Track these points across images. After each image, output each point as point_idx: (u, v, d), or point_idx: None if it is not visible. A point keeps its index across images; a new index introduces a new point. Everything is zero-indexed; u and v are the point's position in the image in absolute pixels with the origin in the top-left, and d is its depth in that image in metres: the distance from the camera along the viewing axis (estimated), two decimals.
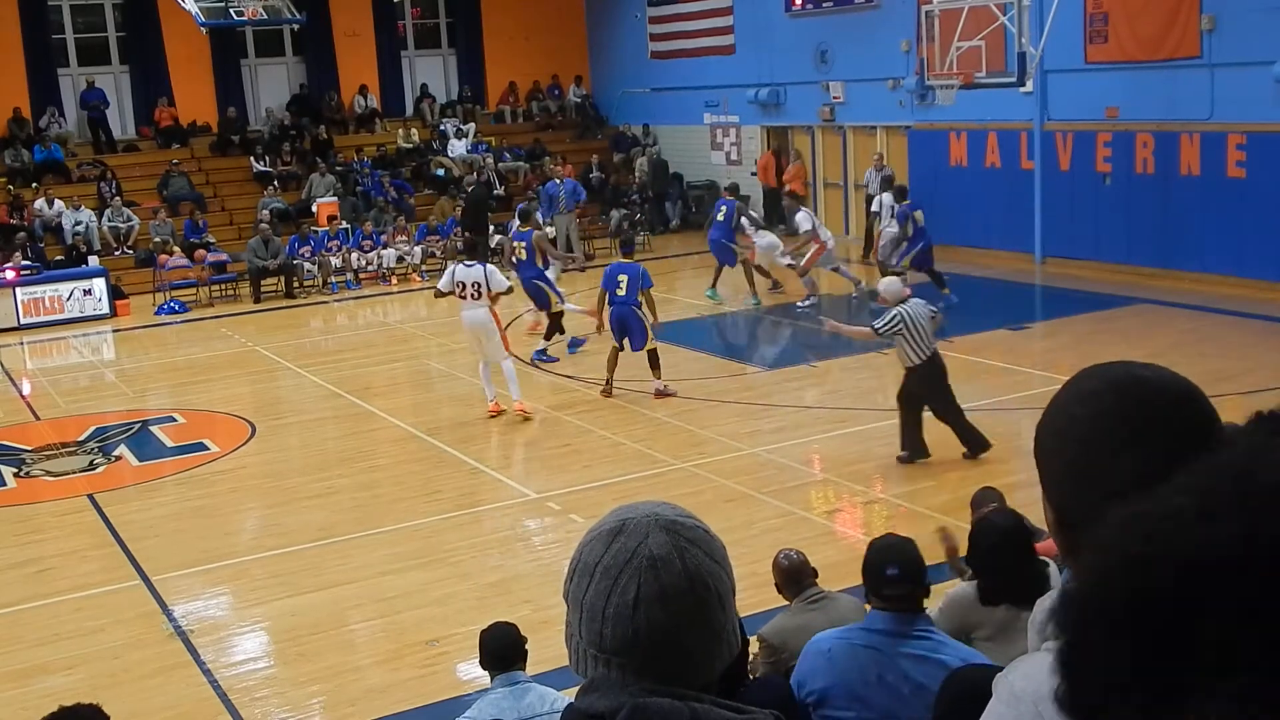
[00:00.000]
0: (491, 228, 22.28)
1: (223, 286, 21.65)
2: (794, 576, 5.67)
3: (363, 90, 27.70)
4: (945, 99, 19.08)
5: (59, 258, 21.70)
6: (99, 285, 20.53)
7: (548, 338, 15.28)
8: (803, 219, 17.77)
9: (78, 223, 22.50)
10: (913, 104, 21.27)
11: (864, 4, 22.22)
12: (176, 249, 22.02)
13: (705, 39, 26.19)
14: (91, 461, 12.45)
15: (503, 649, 5.42)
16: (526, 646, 5.46)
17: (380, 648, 8.08)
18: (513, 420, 12.86)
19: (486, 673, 5.50)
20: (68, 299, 20.14)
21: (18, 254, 21.05)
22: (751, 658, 5.39)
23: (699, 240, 21.40)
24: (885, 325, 10.26)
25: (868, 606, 4.59)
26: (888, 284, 10.79)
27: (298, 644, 8.25)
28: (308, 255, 22.02)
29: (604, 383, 13.48)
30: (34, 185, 23.66)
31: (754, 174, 24.89)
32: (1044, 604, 1.60)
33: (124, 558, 9.79)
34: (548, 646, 6.02)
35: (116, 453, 12.59)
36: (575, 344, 15.57)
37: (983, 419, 10.98)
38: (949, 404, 10.61)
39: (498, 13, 28.70)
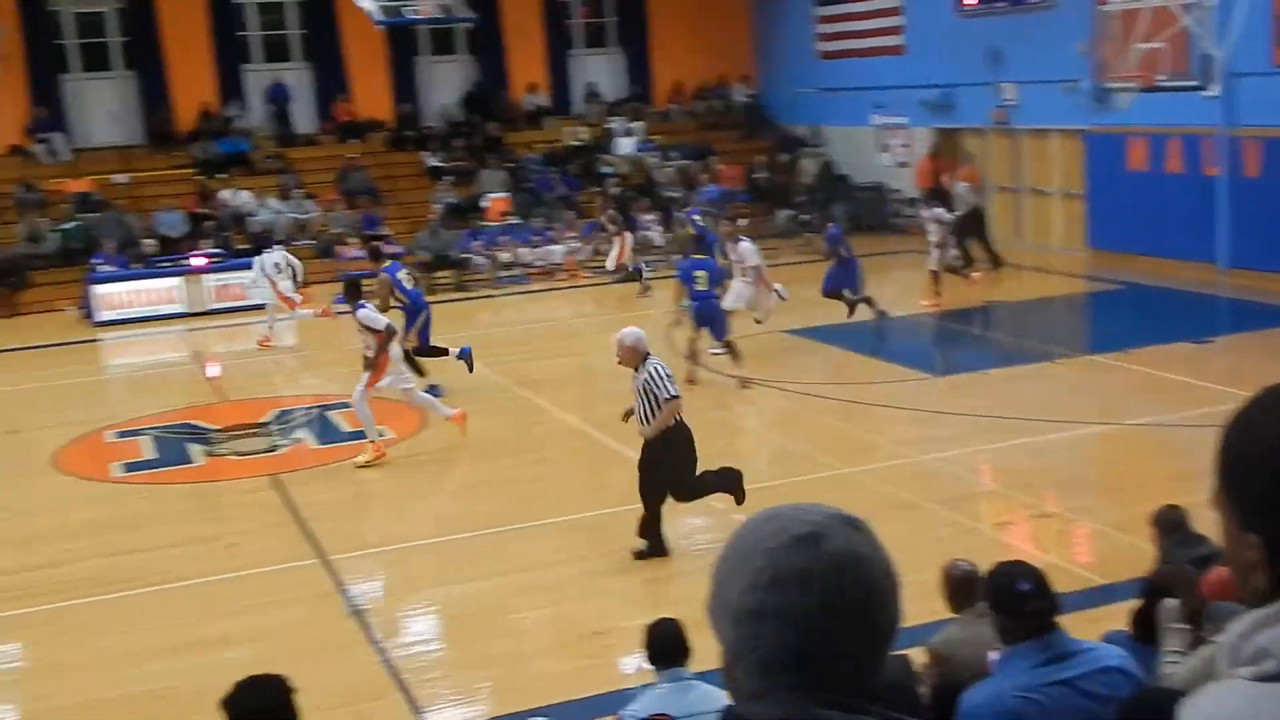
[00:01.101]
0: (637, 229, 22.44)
1: None
2: (965, 588, 5.62)
3: (532, 88, 28.19)
4: (1122, 102, 18.58)
5: (244, 246, 22.60)
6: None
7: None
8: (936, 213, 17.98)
9: (278, 212, 23.45)
10: (1089, 107, 20.73)
11: (1038, 3, 21.73)
12: (353, 240, 22.77)
13: (874, 39, 25.92)
14: (273, 444, 12.97)
15: (668, 645, 5.50)
16: (691, 644, 5.53)
17: (546, 637, 8.26)
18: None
19: (651, 667, 5.59)
20: (251, 286, 20.94)
21: (205, 242, 22.03)
22: (918, 668, 5.37)
23: (867, 243, 21.19)
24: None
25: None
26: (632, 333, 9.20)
27: (466, 629, 8.49)
28: (478, 249, 22.54)
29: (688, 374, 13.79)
30: (220, 176, 24.73)
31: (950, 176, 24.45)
32: (1239, 627, 1.45)
33: (303, 537, 10.18)
34: (712, 645, 6.09)
35: (297, 435, 13.08)
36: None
37: (1165, 436, 10.66)
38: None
39: (664, 12, 28.87)
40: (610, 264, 21.07)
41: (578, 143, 27.19)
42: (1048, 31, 21.26)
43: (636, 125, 27.58)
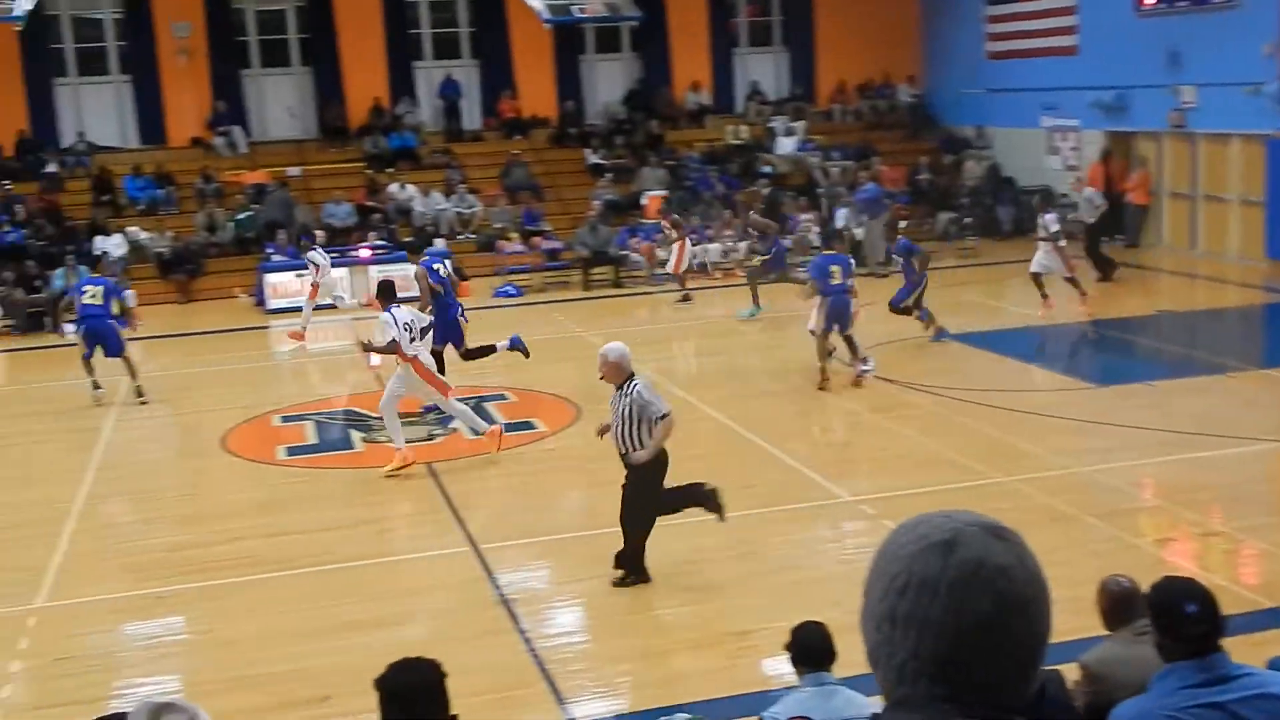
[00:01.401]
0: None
1: (555, 273, 22.59)
2: (1124, 604, 5.43)
3: (695, 86, 28.24)
4: None
5: (409, 239, 23.16)
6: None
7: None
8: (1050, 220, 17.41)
9: (441, 208, 23.99)
10: (1274, 110, 19.85)
11: (1221, 3, 20.89)
12: (514, 235, 23.14)
13: (1046, 39, 25.26)
14: (430, 433, 13.25)
15: (813, 648, 5.44)
16: (836, 648, 5.46)
17: (688, 634, 8.25)
18: (832, 419, 12.85)
19: (793, 670, 5.54)
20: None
21: (372, 234, 22.64)
22: (1071, 685, 5.21)
23: (1030, 249, 20.67)
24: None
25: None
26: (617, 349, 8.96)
27: (611, 623, 8.54)
28: (636, 246, 22.68)
29: (820, 375, 13.68)
30: (388, 170, 25.40)
31: (1077, 180, 23.73)
32: None
33: (455, 525, 10.38)
34: (856, 650, 6.01)
35: (453, 425, 13.34)
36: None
37: None
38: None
39: (830, 11, 28.62)
40: (670, 268, 20.88)
41: (738, 142, 27.15)
42: (1231, 32, 20.44)
43: (798, 124, 27.41)
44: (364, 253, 21.77)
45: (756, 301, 18.51)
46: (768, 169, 26.04)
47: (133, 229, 23.14)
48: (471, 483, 11.59)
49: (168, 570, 9.62)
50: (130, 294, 21.22)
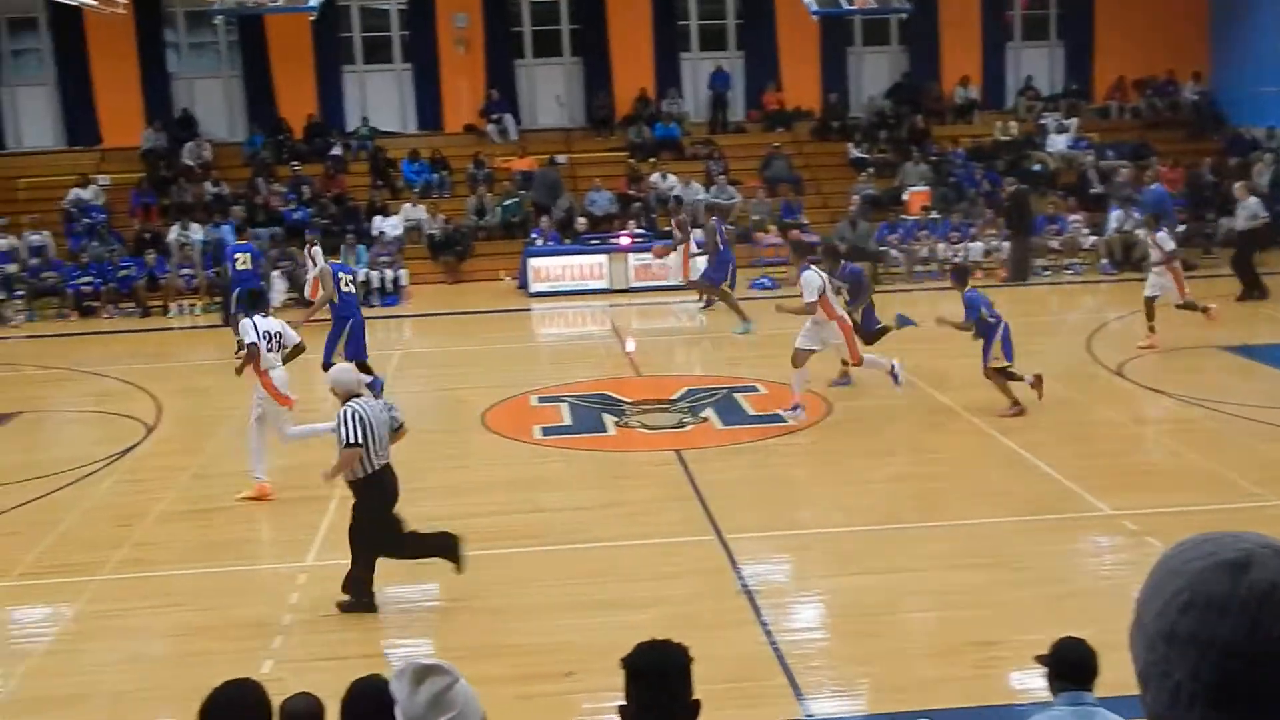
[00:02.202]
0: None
1: None
2: None
3: (964, 81, 27.55)
4: None
5: (667, 228, 23.43)
6: (701, 258, 21.94)
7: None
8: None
9: (700, 199, 24.20)
10: None
11: None
12: (772, 227, 23.13)
13: None
14: (681, 420, 13.41)
15: (1075, 664, 5.24)
16: (1098, 667, 5.25)
17: (934, 641, 8.09)
18: (1087, 429, 12.36)
19: (1047, 686, 5.36)
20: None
21: (631, 222, 23.04)
22: None
23: None
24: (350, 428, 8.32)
25: None
26: (340, 373, 9.07)
27: (853, 622, 8.46)
28: (895, 243, 22.33)
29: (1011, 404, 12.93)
30: (650, 160, 25.78)
31: (1241, 185, 21.80)
32: None
33: (702, 513, 10.46)
34: (1112, 670, 5.76)
35: (703, 414, 13.46)
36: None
37: None
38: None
39: (1112, 3, 27.41)
40: (676, 278, 20.21)
41: (1007, 138, 26.35)
42: None
43: (1071, 121, 26.40)
44: (623, 240, 22.18)
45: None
46: (1037, 166, 25.18)
47: (409, 210, 24.28)
48: (719, 472, 11.66)
49: None
50: (404, 273, 22.36)
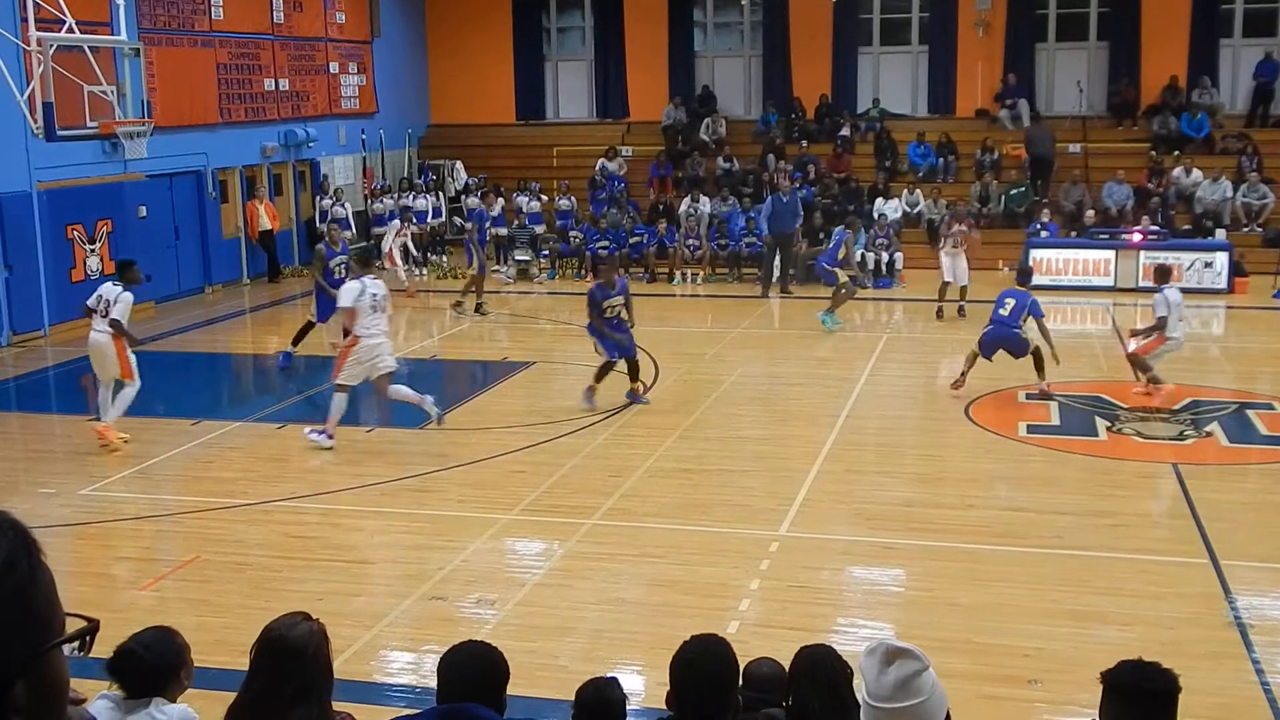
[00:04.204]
0: None
1: None
2: None
3: None
4: None
5: (1186, 227, 21.90)
6: (1221, 259, 20.37)
7: None
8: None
9: (1226, 197, 22.47)
10: None
11: None
12: None
13: None
14: (1182, 432, 12.52)
15: None
16: None
17: None
18: None
19: None
20: (1187, 269, 20.28)
21: (1147, 218, 21.67)
22: None
23: None
24: None
25: None
26: None
27: None
28: None
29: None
30: (1174, 153, 24.09)
31: None
32: None
33: (1196, 533, 9.72)
34: None
35: (1208, 429, 12.50)
36: None
37: None
38: None
39: None
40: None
41: None
42: None
43: None
44: (1135, 237, 20.93)
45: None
46: None
47: (908, 195, 24.14)
48: (1221, 492, 10.79)
49: (898, 524, 10.00)
50: (899, 255, 22.27)
